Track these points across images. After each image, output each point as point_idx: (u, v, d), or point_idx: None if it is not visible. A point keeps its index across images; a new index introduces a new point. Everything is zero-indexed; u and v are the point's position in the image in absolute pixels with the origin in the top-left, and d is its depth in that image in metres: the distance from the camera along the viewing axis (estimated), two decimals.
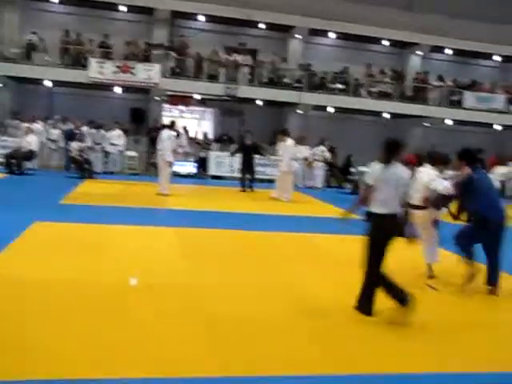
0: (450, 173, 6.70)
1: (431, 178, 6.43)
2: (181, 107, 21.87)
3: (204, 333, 4.46)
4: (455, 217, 6.57)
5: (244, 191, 15.11)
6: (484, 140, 21.49)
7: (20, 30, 19.73)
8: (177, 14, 20.97)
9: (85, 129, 17.56)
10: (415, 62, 24.02)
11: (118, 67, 18.68)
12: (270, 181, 14.62)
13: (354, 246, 5.67)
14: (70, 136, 17.10)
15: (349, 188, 17.88)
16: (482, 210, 6.10)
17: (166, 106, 21.04)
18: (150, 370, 3.71)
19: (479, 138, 21.65)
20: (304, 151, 17.86)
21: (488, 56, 24.48)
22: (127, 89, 19.71)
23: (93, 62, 18.52)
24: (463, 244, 6.19)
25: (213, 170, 18.91)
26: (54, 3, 20.38)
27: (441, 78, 23.18)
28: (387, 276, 5.08)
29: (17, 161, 15.34)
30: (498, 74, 25.49)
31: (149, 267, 6.33)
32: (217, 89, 19.82)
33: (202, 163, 18.99)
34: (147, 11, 20.51)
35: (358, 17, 21.24)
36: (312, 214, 12.24)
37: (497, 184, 13.82)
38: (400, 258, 7.03)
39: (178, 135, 16.69)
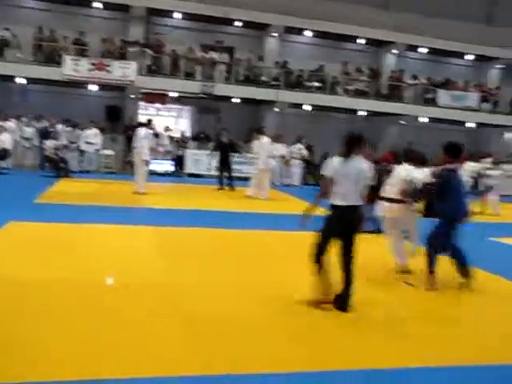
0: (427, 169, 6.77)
1: (409, 170, 6.51)
2: (157, 105, 21.74)
3: (184, 332, 4.45)
4: (424, 214, 6.65)
5: (221, 189, 15.09)
6: (458, 137, 21.76)
7: None
8: (153, 12, 20.81)
9: (60, 127, 17.34)
10: (391, 60, 24.25)
11: (93, 65, 18.47)
12: (246, 179, 14.62)
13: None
14: (44, 134, 16.87)
15: None
16: (453, 210, 6.18)
17: (143, 103, 20.88)
18: (132, 370, 3.69)
19: (453, 136, 21.86)
20: (281, 149, 17.95)
21: (461, 55, 24.85)
22: (103, 86, 19.53)
23: (67, 60, 18.27)
24: (436, 244, 6.25)
25: (190, 168, 18.85)
26: None
27: (415, 77, 23.44)
28: (324, 263, 5.17)
29: None
30: (471, 72, 25.88)
31: (126, 266, 6.30)
32: (193, 87, 19.74)
33: (179, 161, 18.92)
34: (123, 8, 20.30)
35: (334, 15, 21.34)
36: (289, 211, 12.28)
37: (467, 180, 14.13)
38: (373, 253, 7.16)
39: (157, 135, 16.65)
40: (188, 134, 21.45)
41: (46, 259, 6.33)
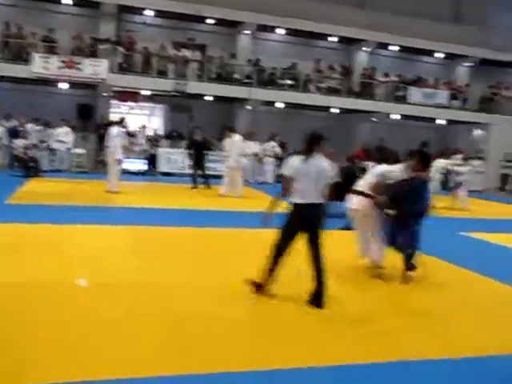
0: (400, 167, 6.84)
1: (385, 168, 6.57)
2: (130, 103, 21.55)
3: (167, 331, 4.45)
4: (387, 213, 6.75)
5: (195, 188, 15.03)
6: (428, 134, 22.21)
7: None
8: (124, 8, 20.60)
9: (30, 126, 17.06)
10: (362, 58, 24.48)
11: (63, 62, 18.22)
12: (220, 177, 14.61)
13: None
14: (14, 133, 16.58)
15: None
16: (419, 210, 6.35)
17: (115, 102, 20.68)
18: (118, 370, 3.68)
19: (424, 132, 22.34)
20: (254, 147, 17.98)
21: (431, 53, 25.23)
22: (74, 84, 19.27)
23: (36, 57, 17.99)
24: (415, 243, 6.39)
25: (163, 166, 18.74)
26: None
27: (386, 75, 23.71)
28: (277, 262, 5.32)
29: None
30: (440, 70, 26.31)
31: (101, 266, 6.24)
32: (166, 85, 19.62)
33: (152, 160, 18.80)
34: (93, 5, 20.03)
35: (306, 13, 21.45)
36: (263, 209, 12.30)
37: (437, 176, 14.40)
38: (345, 250, 7.22)
39: (129, 134, 16.51)
40: (160, 132, 21.33)
41: (18, 261, 6.23)
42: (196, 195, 14.06)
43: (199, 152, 15.30)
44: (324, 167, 5.34)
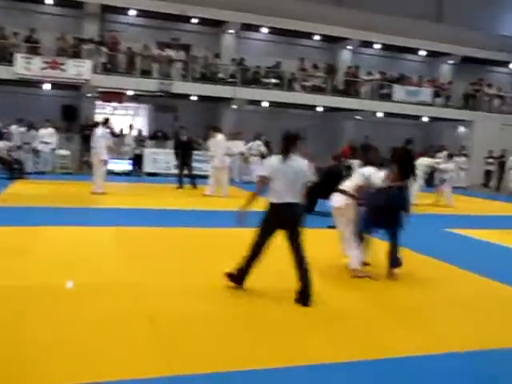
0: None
1: (371, 172, 6.61)
2: (114, 104, 21.43)
3: (149, 332, 4.45)
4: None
5: (181, 188, 15.01)
6: (413, 131, 22.38)
7: None
8: (107, 8, 20.50)
9: (14, 127, 16.90)
10: (346, 56, 24.61)
11: (46, 63, 18.07)
12: (206, 177, 14.59)
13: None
14: None
15: None
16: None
17: (99, 102, 20.55)
18: (96, 373, 3.66)
19: (408, 130, 22.50)
20: (240, 146, 17.99)
21: (414, 51, 25.42)
22: (58, 85, 19.11)
23: (19, 58, 17.82)
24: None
25: (148, 167, 18.69)
26: None
27: (370, 73, 23.83)
28: (254, 258, 5.43)
29: None
30: (424, 68, 26.53)
31: (87, 268, 6.22)
32: (150, 85, 19.56)
33: (137, 160, 18.73)
34: (76, 5, 19.91)
35: (289, 12, 21.50)
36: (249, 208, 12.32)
37: (421, 174, 14.55)
38: (329, 248, 7.27)
39: (114, 134, 16.42)
40: (145, 132, 21.24)
41: (3, 264, 6.19)
42: (182, 195, 14.04)
43: (185, 152, 15.28)
44: (301, 167, 5.40)
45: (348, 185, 6.65)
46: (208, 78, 21.01)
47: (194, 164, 15.88)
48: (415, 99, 23.58)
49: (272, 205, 5.36)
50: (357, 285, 6.23)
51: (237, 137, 17.94)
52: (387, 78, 24.27)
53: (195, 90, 20.56)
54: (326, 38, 23.81)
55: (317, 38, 23.76)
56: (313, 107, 22.86)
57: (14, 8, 19.77)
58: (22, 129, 17.03)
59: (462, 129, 25.19)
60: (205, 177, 14.91)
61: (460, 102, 25.36)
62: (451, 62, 26.08)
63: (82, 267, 6.26)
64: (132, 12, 20.97)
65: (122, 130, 19.46)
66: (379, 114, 23.54)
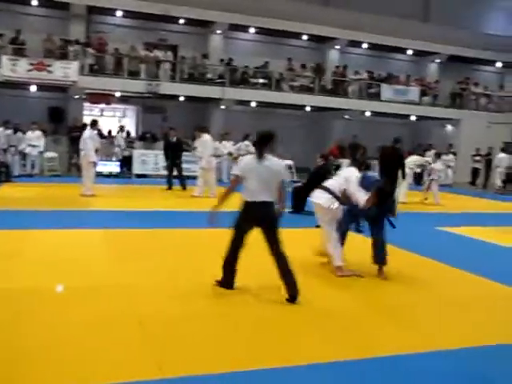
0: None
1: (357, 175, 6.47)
2: (102, 105, 21.32)
3: (140, 334, 4.42)
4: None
5: (170, 189, 14.95)
6: (401, 130, 22.48)
7: None
8: (93, 10, 20.41)
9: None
10: (334, 56, 24.69)
11: (32, 65, 17.92)
12: (195, 177, 14.55)
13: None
14: None
15: None
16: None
17: (87, 104, 20.44)
18: (85, 376, 3.63)
19: (397, 129, 22.60)
20: (228, 146, 17.97)
21: (402, 50, 25.55)
22: (44, 87, 18.98)
23: (4, 60, 17.66)
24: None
25: (137, 168, 18.60)
26: None
27: (357, 72, 23.92)
28: (234, 258, 5.46)
29: None
30: (411, 67, 26.67)
31: (77, 270, 6.17)
32: (138, 86, 19.48)
33: (126, 162, 18.64)
34: (62, 6, 19.77)
35: (277, 12, 21.52)
36: (238, 208, 12.31)
37: (410, 173, 14.62)
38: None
39: (102, 135, 16.34)
40: (133, 134, 21.16)
41: None
42: (171, 196, 14.00)
43: (175, 153, 15.23)
44: (276, 167, 5.42)
45: (332, 183, 6.57)
46: (196, 78, 20.97)
47: (184, 165, 15.80)
48: (403, 98, 23.70)
49: (245, 203, 5.42)
50: (348, 284, 6.22)
51: (225, 137, 17.92)
52: (375, 78, 24.37)
53: (183, 91, 20.51)
54: (314, 38, 23.87)
55: (305, 37, 23.80)
56: (301, 107, 22.89)
57: (0, 9, 19.60)
58: (9, 131, 16.86)
59: (449, 127, 25.35)
60: (194, 177, 14.86)
61: (447, 100, 25.54)
62: (438, 60, 26.27)
63: (71, 269, 6.22)
64: (119, 13, 20.88)
65: (110, 132, 19.32)
66: (367, 114, 23.64)
